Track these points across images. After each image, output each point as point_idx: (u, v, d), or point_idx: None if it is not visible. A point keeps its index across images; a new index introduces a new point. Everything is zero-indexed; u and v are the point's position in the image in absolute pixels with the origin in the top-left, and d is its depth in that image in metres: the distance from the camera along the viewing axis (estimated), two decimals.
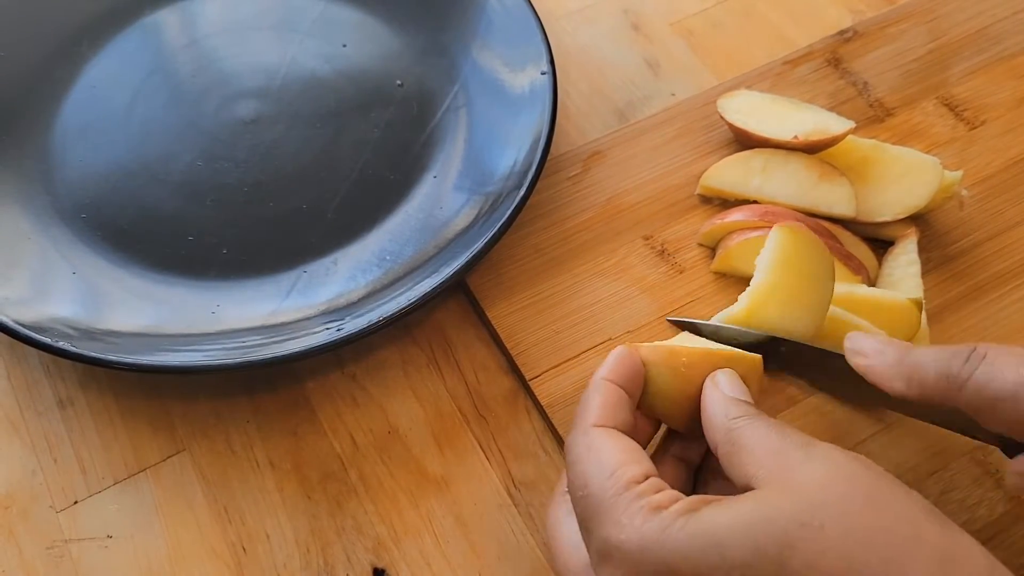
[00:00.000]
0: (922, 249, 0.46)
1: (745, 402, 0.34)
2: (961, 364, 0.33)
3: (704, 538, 0.28)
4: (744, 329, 0.41)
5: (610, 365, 0.35)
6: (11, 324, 0.43)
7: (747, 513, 0.29)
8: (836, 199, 0.47)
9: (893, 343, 0.36)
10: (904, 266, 0.45)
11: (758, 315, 0.41)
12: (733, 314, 0.42)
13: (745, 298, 0.42)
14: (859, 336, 0.37)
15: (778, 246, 0.41)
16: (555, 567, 0.35)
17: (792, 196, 0.48)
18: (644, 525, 0.29)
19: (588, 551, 0.32)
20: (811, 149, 0.48)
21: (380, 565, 0.41)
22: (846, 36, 0.56)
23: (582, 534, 0.32)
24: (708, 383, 0.35)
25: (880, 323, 0.42)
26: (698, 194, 0.50)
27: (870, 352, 0.36)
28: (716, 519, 0.29)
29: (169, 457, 0.44)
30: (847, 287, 0.43)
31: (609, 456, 0.32)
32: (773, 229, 0.41)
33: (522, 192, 0.47)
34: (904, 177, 0.47)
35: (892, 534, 0.28)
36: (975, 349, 0.33)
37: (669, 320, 0.46)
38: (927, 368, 0.34)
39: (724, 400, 0.34)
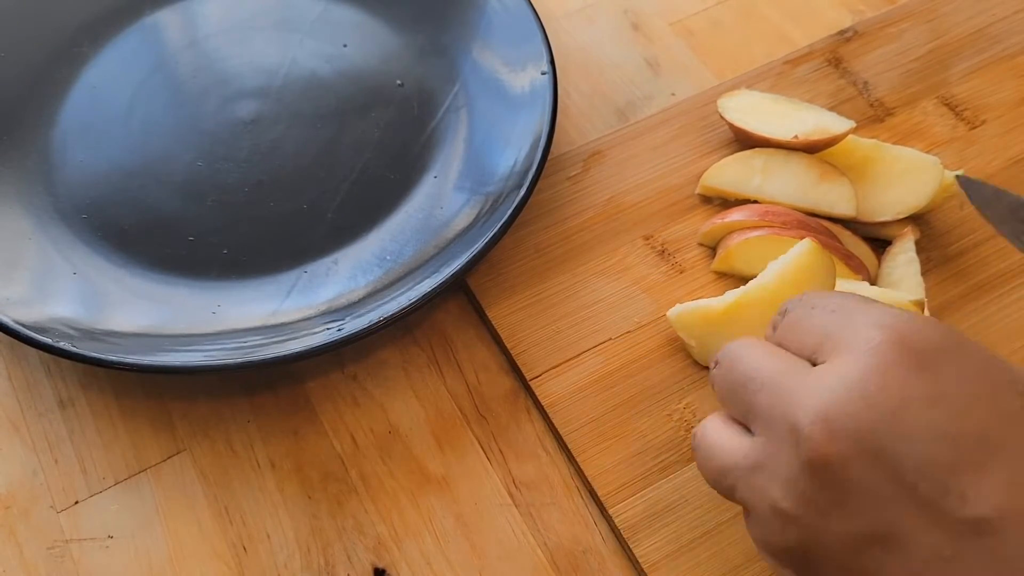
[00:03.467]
0: (922, 249, 0.47)
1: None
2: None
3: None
4: None
5: None
6: (12, 324, 0.43)
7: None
8: (836, 199, 0.47)
9: None
10: (903, 265, 0.45)
11: (735, 313, 0.41)
12: (712, 306, 0.42)
13: (734, 294, 0.42)
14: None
15: (800, 258, 0.40)
16: (720, 476, 0.32)
17: (792, 196, 0.48)
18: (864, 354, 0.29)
19: (774, 449, 0.30)
20: (811, 149, 0.48)
21: (381, 565, 0.41)
22: (846, 36, 0.56)
23: (764, 440, 0.30)
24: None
25: None
26: (698, 194, 0.50)
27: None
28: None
29: (170, 457, 0.44)
30: (851, 285, 0.43)
31: (766, 345, 0.33)
32: (806, 240, 0.41)
33: (522, 192, 0.47)
34: (904, 177, 0.47)
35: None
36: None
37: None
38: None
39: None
